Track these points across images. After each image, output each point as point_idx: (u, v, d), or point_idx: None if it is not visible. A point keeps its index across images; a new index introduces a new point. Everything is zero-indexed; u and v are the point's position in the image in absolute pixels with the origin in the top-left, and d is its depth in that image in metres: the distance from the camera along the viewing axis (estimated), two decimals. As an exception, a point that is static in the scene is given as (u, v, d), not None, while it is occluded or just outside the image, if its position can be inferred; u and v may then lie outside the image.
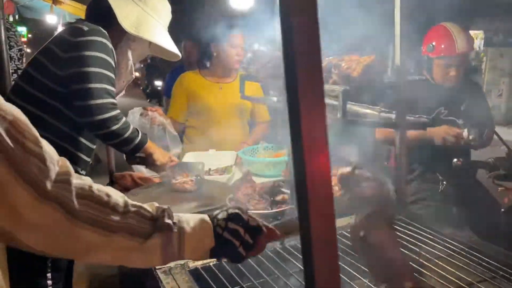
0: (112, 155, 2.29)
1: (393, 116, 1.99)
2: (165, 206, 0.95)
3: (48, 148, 0.79)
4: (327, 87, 1.82)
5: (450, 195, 2.58)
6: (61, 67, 1.71)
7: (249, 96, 2.60)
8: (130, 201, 0.91)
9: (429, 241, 1.52)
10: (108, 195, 0.87)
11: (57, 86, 1.72)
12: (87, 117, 1.70)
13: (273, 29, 2.68)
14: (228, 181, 2.25)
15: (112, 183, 2.30)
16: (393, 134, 2.61)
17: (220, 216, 1.00)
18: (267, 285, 1.31)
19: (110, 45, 1.77)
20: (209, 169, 2.29)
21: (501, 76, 10.78)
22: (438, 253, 1.44)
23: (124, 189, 2.23)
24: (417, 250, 1.46)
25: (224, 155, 2.59)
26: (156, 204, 0.96)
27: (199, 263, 1.45)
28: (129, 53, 1.92)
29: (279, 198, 1.80)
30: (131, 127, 1.83)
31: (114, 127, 1.74)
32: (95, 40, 1.72)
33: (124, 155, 2.01)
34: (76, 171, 1.92)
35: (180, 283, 1.34)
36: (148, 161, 1.98)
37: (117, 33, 1.85)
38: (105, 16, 1.83)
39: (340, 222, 1.76)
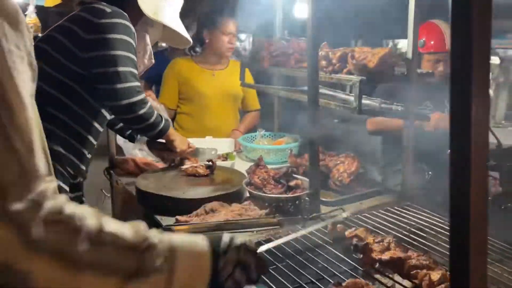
0: (113, 138, 2.25)
1: (393, 107, 2.08)
2: (152, 234, 0.75)
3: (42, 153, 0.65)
4: (342, 76, 1.88)
5: (435, 184, 2.73)
6: (83, 48, 1.67)
7: (249, 84, 2.62)
8: (105, 224, 0.71)
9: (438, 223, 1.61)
10: (80, 218, 0.68)
11: (77, 67, 1.67)
12: (115, 101, 1.68)
13: (274, 17, 2.71)
14: (231, 167, 2.27)
15: (112, 167, 2.26)
16: (383, 125, 2.72)
17: (229, 254, 0.84)
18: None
19: (133, 29, 1.75)
20: (212, 155, 2.30)
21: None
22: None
23: (127, 174, 2.20)
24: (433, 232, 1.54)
25: (222, 142, 2.61)
26: (140, 226, 0.76)
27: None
28: (147, 38, 1.90)
29: (292, 183, 1.85)
30: (156, 112, 1.81)
31: (141, 111, 1.72)
32: (119, 23, 1.69)
33: (146, 144, 1.99)
34: (82, 154, 1.88)
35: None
36: (168, 148, 1.97)
37: (133, 17, 1.82)
38: None
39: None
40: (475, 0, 0.49)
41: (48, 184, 0.66)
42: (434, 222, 1.62)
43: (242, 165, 2.35)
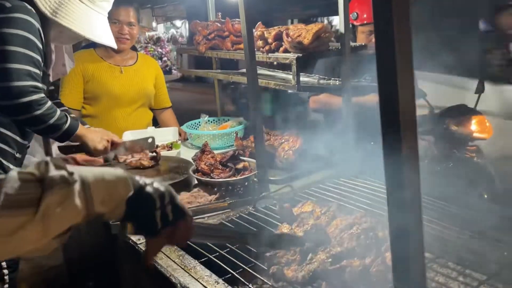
0: (49, 139, 2.13)
1: (331, 82, 2.13)
2: (48, 158, 0.76)
3: None
4: (279, 55, 1.88)
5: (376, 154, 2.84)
6: None
7: (187, 69, 2.57)
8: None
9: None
10: None
11: None
12: (6, 100, 1.57)
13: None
14: (177, 155, 2.24)
15: (51, 168, 2.14)
16: (326, 103, 2.76)
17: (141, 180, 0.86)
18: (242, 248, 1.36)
19: (36, 24, 1.63)
20: (156, 146, 2.23)
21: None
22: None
23: (68, 173, 2.10)
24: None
25: (165, 131, 2.55)
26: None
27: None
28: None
29: (240, 166, 1.85)
30: (58, 112, 1.70)
31: (37, 112, 1.61)
32: (17, 17, 1.59)
33: (57, 148, 1.88)
34: (6, 152, 1.79)
35: (168, 253, 1.34)
36: (84, 150, 1.87)
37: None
38: None
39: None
40: None
41: None
42: (377, 188, 1.69)
43: (188, 153, 2.31)
